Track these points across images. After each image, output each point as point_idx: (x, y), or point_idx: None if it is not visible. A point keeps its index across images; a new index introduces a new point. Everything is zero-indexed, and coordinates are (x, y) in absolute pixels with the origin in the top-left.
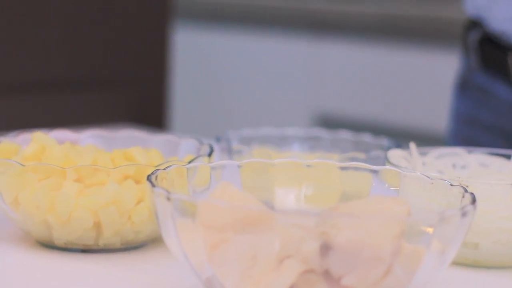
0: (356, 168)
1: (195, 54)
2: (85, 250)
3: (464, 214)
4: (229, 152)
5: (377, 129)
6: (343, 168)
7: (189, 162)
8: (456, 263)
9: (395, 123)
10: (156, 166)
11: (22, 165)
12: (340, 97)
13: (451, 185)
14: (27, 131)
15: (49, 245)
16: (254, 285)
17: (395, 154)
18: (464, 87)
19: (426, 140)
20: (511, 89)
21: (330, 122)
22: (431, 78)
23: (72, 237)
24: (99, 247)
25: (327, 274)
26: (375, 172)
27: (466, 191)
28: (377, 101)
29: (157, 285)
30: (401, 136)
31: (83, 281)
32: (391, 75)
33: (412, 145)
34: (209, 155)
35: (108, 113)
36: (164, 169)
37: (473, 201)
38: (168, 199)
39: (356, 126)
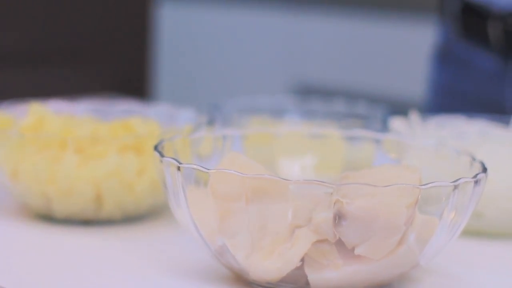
0: (360, 137)
1: (180, 25)
2: (86, 223)
3: (477, 182)
4: (226, 121)
5: (354, 98)
6: (346, 138)
7: (192, 132)
8: (463, 233)
9: (371, 91)
10: (158, 136)
11: (21, 136)
12: (319, 66)
13: (458, 153)
14: (20, 103)
15: (49, 218)
16: (265, 255)
17: (397, 123)
18: (443, 58)
19: (402, 108)
20: (492, 58)
21: (308, 91)
22: (406, 47)
23: (73, 209)
24: (99, 219)
25: (340, 244)
26: (378, 141)
27: (474, 159)
28: (354, 70)
29: (158, 257)
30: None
31: (83, 254)
32: (368, 44)
33: (413, 113)
34: (209, 124)
35: (93, 84)
36: (170, 139)
37: (484, 169)
38: (179, 168)
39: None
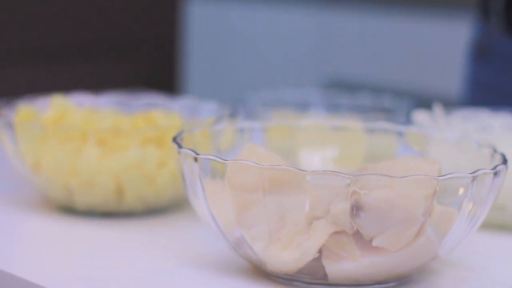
0: (382, 130)
1: (210, 21)
2: (107, 215)
3: (496, 174)
4: (250, 114)
5: (385, 93)
6: (369, 130)
7: (213, 124)
8: (482, 226)
9: (404, 87)
10: (179, 129)
11: (43, 129)
12: (352, 62)
13: (480, 146)
14: (44, 96)
15: (71, 211)
16: (283, 247)
17: (420, 116)
18: (483, 54)
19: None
20: None
21: (341, 87)
22: (439, 42)
23: (94, 201)
24: (120, 212)
25: (358, 235)
26: (400, 133)
27: (495, 151)
28: (387, 65)
29: (179, 250)
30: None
31: (104, 246)
32: (402, 40)
33: (437, 107)
34: (232, 117)
35: (121, 79)
36: (189, 131)
37: (505, 161)
38: (196, 160)
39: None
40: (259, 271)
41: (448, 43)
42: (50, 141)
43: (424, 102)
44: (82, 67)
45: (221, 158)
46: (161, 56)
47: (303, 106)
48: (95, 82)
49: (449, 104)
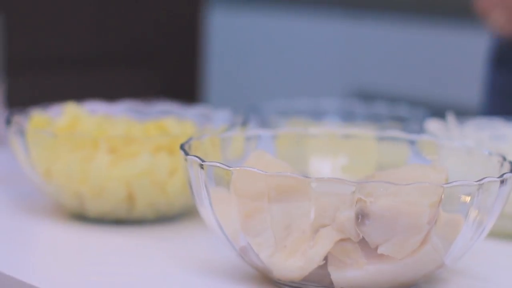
0: (393, 138)
1: (232, 30)
2: (119, 223)
3: (503, 182)
4: (264, 123)
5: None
6: (379, 138)
7: (223, 132)
8: (494, 235)
9: (427, 98)
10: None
11: (54, 136)
12: (375, 72)
13: (490, 154)
14: (58, 104)
15: (82, 218)
16: (289, 254)
17: (433, 124)
18: (502, 61)
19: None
20: None
21: (365, 97)
22: (463, 52)
23: (105, 208)
24: (132, 219)
25: (363, 243)
26: (411, 142)
27: (504, 159)
28: (411, 76)
29: (188, 257)
30: (434, 110)
31: (115, 253)
32: (424, 50)
33: (450, 116)
34: (243, 125)
35: (143, 88)
36: (198, 138)
37: None
38: (202, 167)
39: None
40: (266, 279)
41: (473, 53)
42: (62, 149)
43: (445, 112)
44: (104, 77)
45: (226, 166)
46: (183, 66)
47: (318, 115)
48: (116, 91)
49: (471, 114)
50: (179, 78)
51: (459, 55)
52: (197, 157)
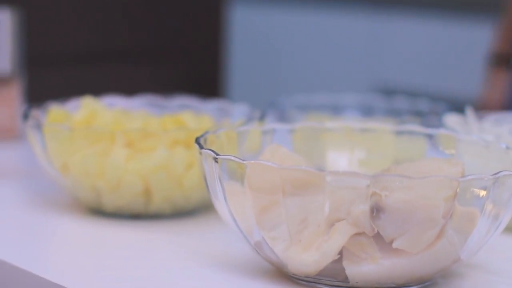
0: (410, 132)
1: (254, 25)
2: (136, 217)
3: None
4: (283, 118)
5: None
6: (397, 133)
7: (239, 126)
8: (510, 230)
9: (453, 94)
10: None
11: (71, 130)
12: (399, 67)
13: (507, 148)
14: (76, 98)
15: (98, 212)
16: (303, 249)
17: (451, 119)
18: None
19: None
20: None
21: (389, 93)
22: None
23: (122, 203)
24: (149, 213)
25: (378, 237)
26: (429, 136)
27: None
28: (436, 72)
29: (204, 252)
30: (460, 106)
31: (131, 247)
32: (451, 45)
33: (469, 110)
34: (261, 119)
35: (165, 83)
36: (214, 132)
37: None
38: (216, 160)
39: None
40: (281, 273)
41: None
42: (78, 143)
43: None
44: (126, 72)
45: (240, 159)
46: (205, 61)
47: (337, 110)
48: (138, 87)
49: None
50: (202, 73)
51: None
52: (211, 150)
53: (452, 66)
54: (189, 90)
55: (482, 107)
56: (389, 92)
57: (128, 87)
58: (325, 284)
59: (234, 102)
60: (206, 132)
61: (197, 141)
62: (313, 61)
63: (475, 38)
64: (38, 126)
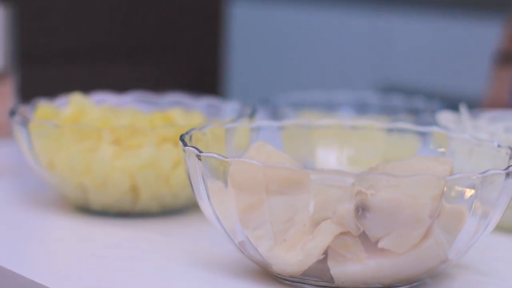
0: (401, 130)
1: (255, 22)
2: (123, 215)
3: (508, 175)
4: (276, 115)
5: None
6: (388, 130)
7: (227, 123)
8: (503, 229)
9: (458, 92)
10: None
11: (57, 127)
12: (404, 66)
13: (498, 146)
14: (65, 95)
15: (86, 210)
16: (288, 248)
17: (445, 116)
18: None
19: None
20: None
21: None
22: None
23: (109, 200)
24: (136, 211)
25: (364, 237)
26: (421, 134)
27: None
28: (442, 70)
29: (191, 250)
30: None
31: (119, 246)
32: (457, 44)
33: (463, 107)
34: (251, 116)
35: (163, 80)
36: (200, 129)
37: None
38: (199, 158)
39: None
40: (267, 273)
41: None
42: (65, 140)
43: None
44: (123, 69)
45: (223, 157)
46: (204, 58)
47: (331, 108)
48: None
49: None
50: (200, 70)
51: (485, 50)
52: (194, 148)
53: (457, 65)
54: (188, 87)
55: (488, 106)
56: (393, 91)
57: (126, 85)
58: (311, 284)
59: (231, 100)
60: (192, 129)
61: (181, 138)
62: (314, 59)
63: (481, 37)
64: (25, 123)
